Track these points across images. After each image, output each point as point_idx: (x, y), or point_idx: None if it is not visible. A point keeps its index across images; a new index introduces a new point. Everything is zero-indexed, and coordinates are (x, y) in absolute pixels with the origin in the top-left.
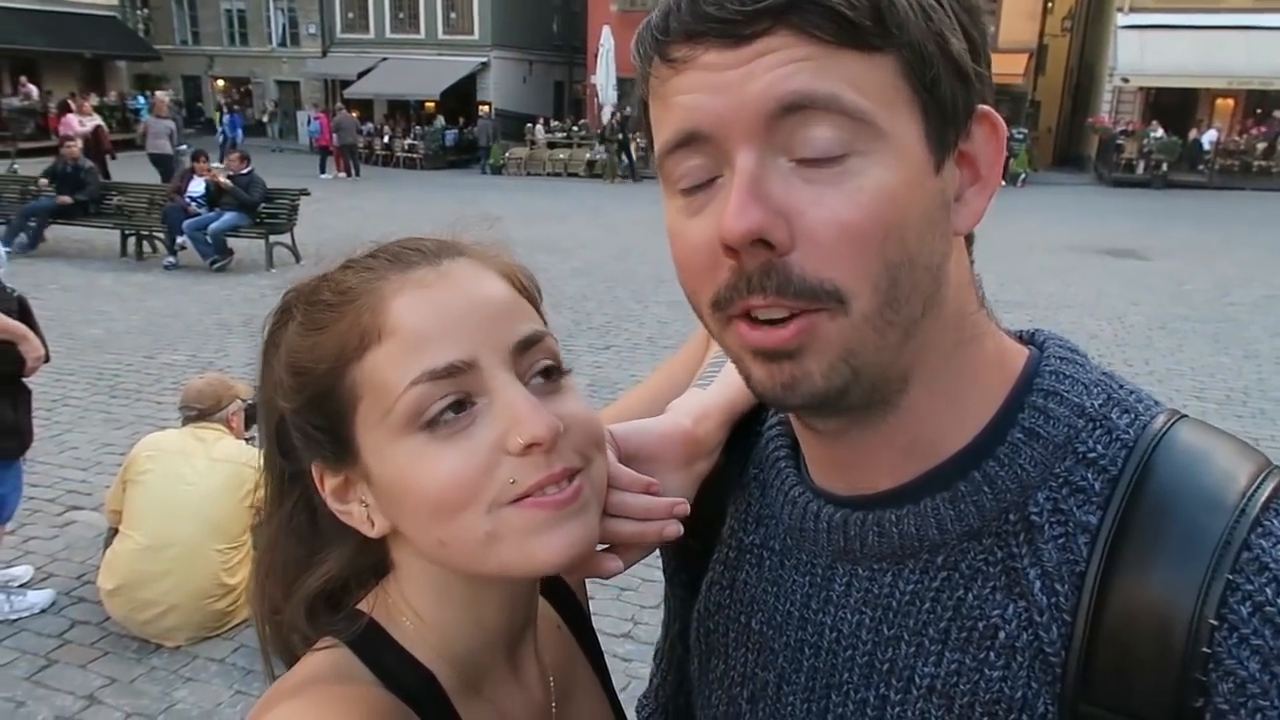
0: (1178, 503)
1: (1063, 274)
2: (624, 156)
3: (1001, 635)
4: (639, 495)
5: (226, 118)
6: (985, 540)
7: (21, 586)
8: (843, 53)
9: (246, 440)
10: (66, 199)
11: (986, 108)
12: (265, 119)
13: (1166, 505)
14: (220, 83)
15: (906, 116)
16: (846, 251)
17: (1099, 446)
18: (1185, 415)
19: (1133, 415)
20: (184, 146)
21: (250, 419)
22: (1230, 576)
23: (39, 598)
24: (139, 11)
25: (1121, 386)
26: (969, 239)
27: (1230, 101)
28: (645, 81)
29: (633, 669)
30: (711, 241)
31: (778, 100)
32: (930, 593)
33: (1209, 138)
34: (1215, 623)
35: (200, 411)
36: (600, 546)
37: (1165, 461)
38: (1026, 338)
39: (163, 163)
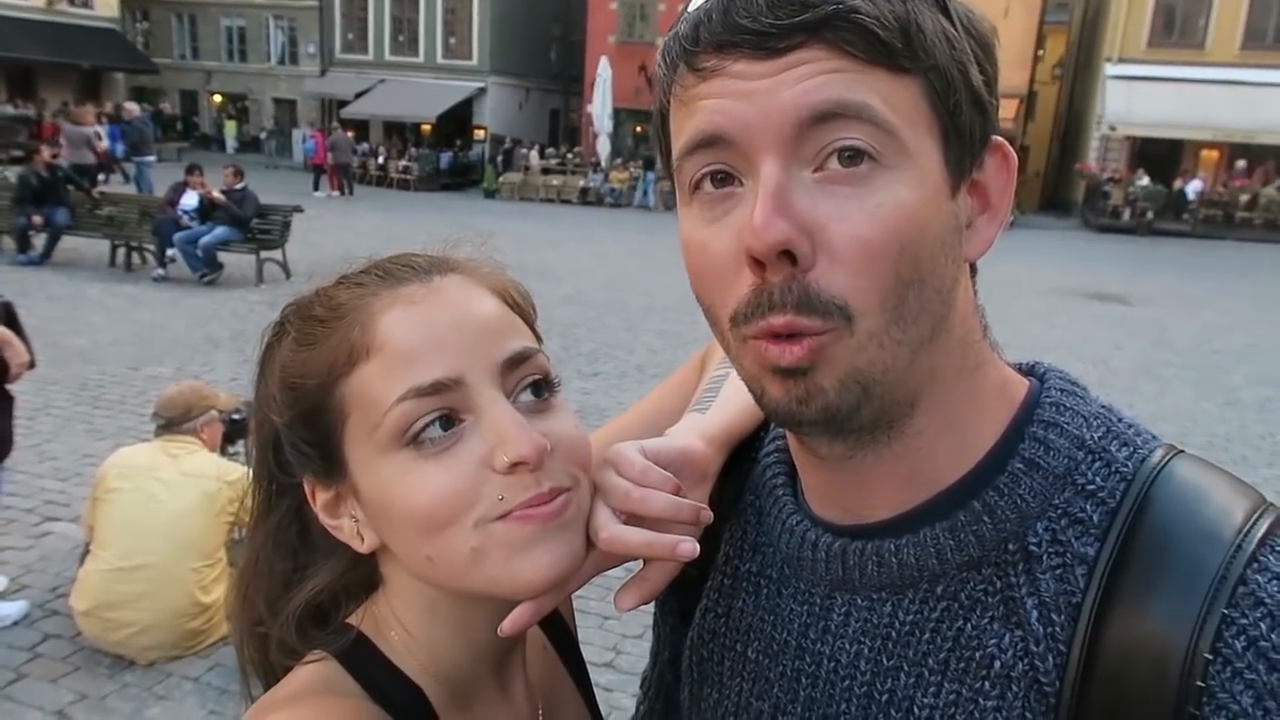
0: (1175, 537)
1: (1048, 316)
2: None
3: (997, 665)
4: (664, 494)
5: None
6: (985, 570)
7: None
8: (872, 70)
9: (229, 455)
10: (38, 219)
11: (999, 139)
12: (263, 136)
13: (1164, 539)
14: (217, 98)
15: (928, 139)
16: (861, 267)
17: (1098, 479)
18: (1182, 450)
19: (1131, 448)
20: (151, 158)
21: (236, 433)
22: (1226, 611)
23: (12, 609)
24: (139, 24)
25: (1120, 420)
26: (973, 269)
27: (1215, 153)
28: (667, 91)
29: (615, 699)
30: (732, 251)
31: (810, 109)
32: (930, 623)
33: (1194, 187)
34: (1210, 656)
35: (168, 420)
36: (611, 571)
37: (1163, 495)
38: (1027, 369)
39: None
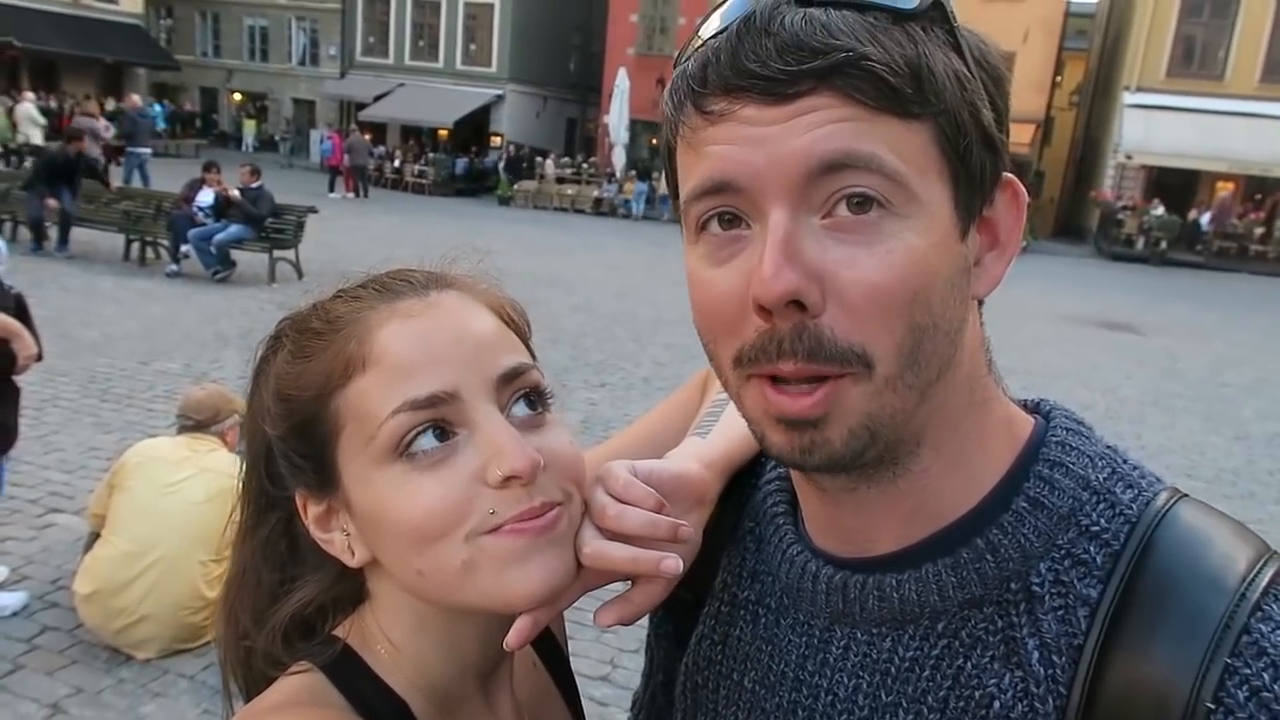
0: (1179, 582)
1: (1058, 343)
2: None
3: (996, 705)
4: (641, 511)
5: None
6: (986, 609)
7: None
8: (882, 117)
9: (239, 455)
10: (52, 201)
11: (1010, 175)
12: (278, 137)
13: (1167, 584)
14: (237, 96)
15: (938, 183)
16: (875, 314)
17: (1102, 520)
18: (1186, 495)
19: (1136, 491)
20: (147, 151)
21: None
22: (1229, 660)
23: (11, 600)
24: (163, 21)
25: (1125, 461)
26: (980, 303)
27: (1230, 185)
28: (674, 129)
29: (609, 714)
30: (738, 294)
31: (820, 159)
32: (930, 660)
33: (1208, 219)
34: (1211, 705)
35: (197, 422)
36: (597, 588)
37: (1167, 540)
38: (1031, 406)
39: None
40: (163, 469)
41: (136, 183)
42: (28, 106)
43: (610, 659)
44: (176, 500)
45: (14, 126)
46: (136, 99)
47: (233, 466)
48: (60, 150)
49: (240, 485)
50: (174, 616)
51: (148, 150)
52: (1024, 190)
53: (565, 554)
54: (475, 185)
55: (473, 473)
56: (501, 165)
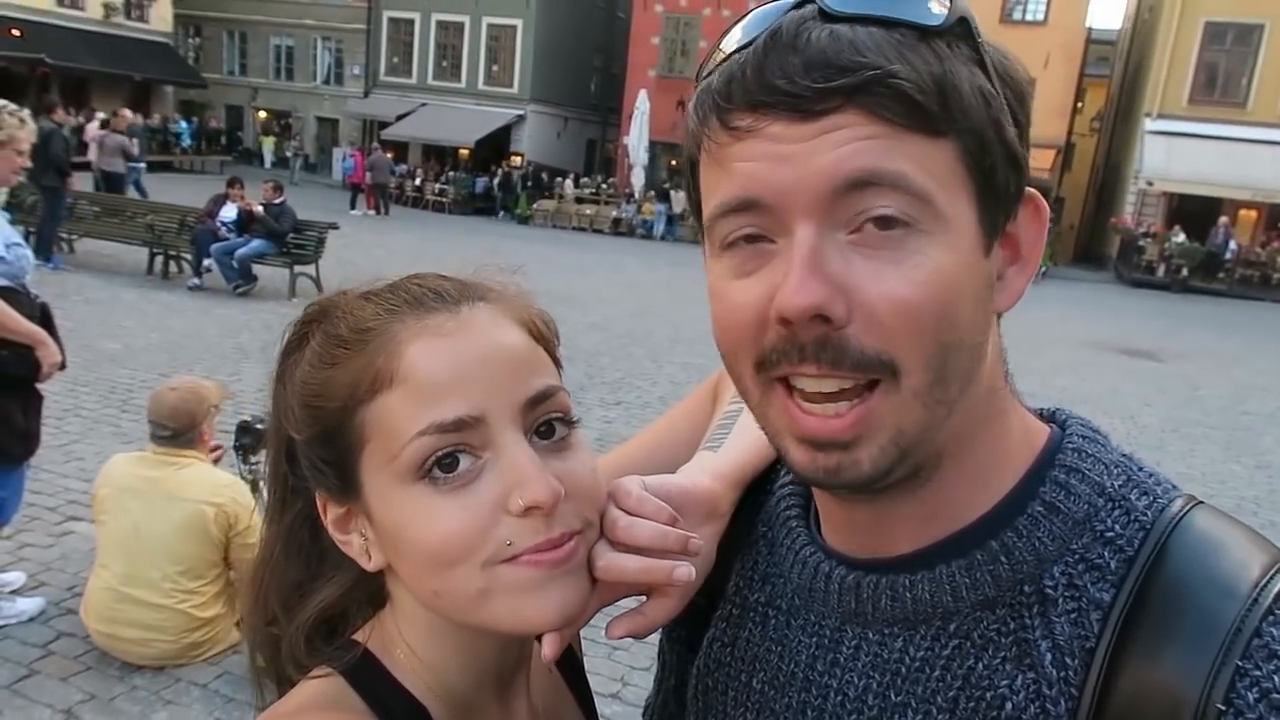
0: (1192, 587)
1: (1077, 369)
2: None
3: (1009, 706)
4: (651, 523)
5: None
6: (999, 610)
7: (12, 593)
8: (909, 135)
9: (251, 465)
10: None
11: (1032, 190)
12: (289, 155)
13: (1180, 589)
14: (262, 114)
15: (964, 201)
16: (903, 327)
17: (1117, 526)
18: (1202, 502)
19: (1151, 497)
20: (142, 165)
21: (257, 444)
22: (1240, 663)
23: (28, 605)
24: (191, 39)
25: (1141, 469)
26: (998, 315)
27: (1253, 213)
28: (697, 143)
29: None
30: (760, 306)
31: (845, 176)
32: (941, 660)
33: (1231, 246)
34: (1222, 707)
35: (174, 432)
36: (613, 603)
37: (1181, 546)
38: (1048, 415)
39: (114, 182)
40: (131, 500)
41: (133, 193)
42: (96, 127)
43: (621, 676)
44: (150, 535)
45: (84, 147)
46: (128, 113)
47: (202, 486)
48: (47, 128)
49: (269, 471)
50: (174, 639)
51: (142, 165)
52: (1045, 206)
53: (580, 583)
54: (495, 204)
55: (494, 499)
56: (496, 183)
